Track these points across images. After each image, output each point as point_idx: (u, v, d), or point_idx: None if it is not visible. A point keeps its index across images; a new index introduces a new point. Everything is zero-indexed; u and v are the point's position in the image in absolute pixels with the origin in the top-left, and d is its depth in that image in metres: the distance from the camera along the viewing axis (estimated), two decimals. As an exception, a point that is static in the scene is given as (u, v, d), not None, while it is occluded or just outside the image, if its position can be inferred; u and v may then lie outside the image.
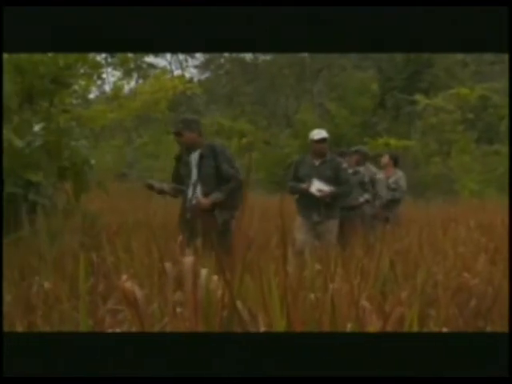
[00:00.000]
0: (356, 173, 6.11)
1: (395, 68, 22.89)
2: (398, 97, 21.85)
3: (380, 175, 6.38)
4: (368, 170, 6.36)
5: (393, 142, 19.14)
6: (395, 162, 6.87)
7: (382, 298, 2.29)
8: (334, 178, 5.21)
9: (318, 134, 5.33)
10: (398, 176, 6.78)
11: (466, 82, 20.79)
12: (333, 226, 5.21)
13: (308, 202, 5.18)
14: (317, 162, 5.32)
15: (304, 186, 5.20)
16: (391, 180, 6.69)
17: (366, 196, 6.06)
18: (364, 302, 2.06)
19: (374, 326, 1.91)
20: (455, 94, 18.99)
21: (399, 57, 22.41)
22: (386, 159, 6.87)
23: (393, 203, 6.63)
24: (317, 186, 5.13)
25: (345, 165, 5.46)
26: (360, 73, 25.67)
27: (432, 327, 2.34)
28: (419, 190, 16.77)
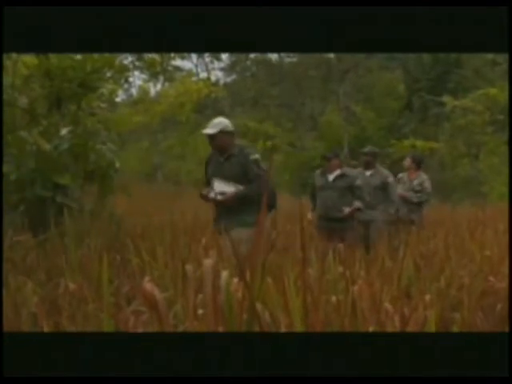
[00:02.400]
0: (342, 176, 5.61)
1: (422, 69, 22.66)
2: (425, 98, 21.63)
3: (391, 178, 6.13)
4: (379, 172, 6.15)
5: (419, 143, 18.95)
6: (418, 164, 6.73)
7: (407, 301, 2.27)
8: (242, 176, 4.17)
9: (212, 125, 4.25)
10: (422, 178, 6.64)
11: (495, 81, 20.43)
12: (243, 234, 3.88)
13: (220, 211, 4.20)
14: (221, 158, 4.29)
15: (203, 192, 4.22)
16: (415, 182, 6.57)
17: (357, 204, 5.48)
18: (387, 305, 2.05)
19: (395, 329, 1.90)
20: (484, 95, 18.68)
21: (426, 57, 22.18)
22: (408, 162, 6.74)
23: (417, 206, 6.50)
24: (217, 189, 4.13)
25: (255, 156, 4.27)
26: (387, 74, 25.49)
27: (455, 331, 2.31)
28: (446, 192, 16.57)
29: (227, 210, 4.09)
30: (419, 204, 6.54)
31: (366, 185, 5.93)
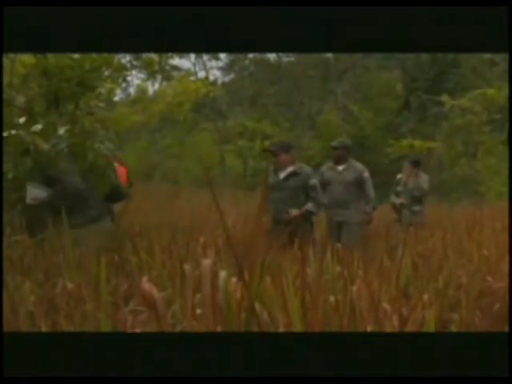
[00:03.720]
0: (294, 174, 4.95)
1: (420, 68, 22.69)
2: (423, 98, 21.65)
3: (366, 173, 5.59)
4: (352, 167, 5.64)
5: (417, 143, 18.96)
6: (416, 165, 6.74)
7: (405, 301, 2.27)
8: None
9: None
10: (422, 179, 6.69)
11: (493, 81, 20.46)
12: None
13: None
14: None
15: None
16: (414, 184, 6.64)
17: (309, 206, 4.85)
18: (385, 305, 2.05)
19: (394, 328, 1.90)
20: (482, 95, 18.70)
21: (424, 57, 22.20)
22: (408, 169, 6.74)
23: (420, 205, 6.58)
24: (31, 194, 3.93)
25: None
26: (385, 73, 25.52)
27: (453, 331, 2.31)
28: (444, 191, 16.59)
29: None
30: (420, 204, 6.61)
31: (338, 181, 5.55)
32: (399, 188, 6.73)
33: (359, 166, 5.71)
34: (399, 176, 6.79)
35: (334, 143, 5.80)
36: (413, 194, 6.59)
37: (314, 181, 5.03)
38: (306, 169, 5.13)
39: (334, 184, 5.58)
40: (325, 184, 5.57)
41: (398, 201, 6.67)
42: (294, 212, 4.81)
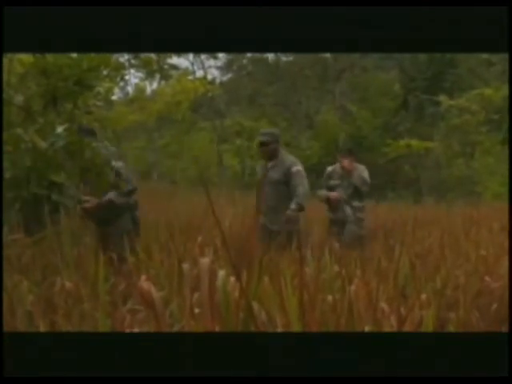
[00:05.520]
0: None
1: (418, 68, 22.71)
2: (420, 97, 21.67)
3: (296, 167, 4.65)
4: (280, 162, 4.73)
5: (415, 143, 18.98)
6: (351, 154, 5.64)
7: (403, 301, 2.28)
8: None
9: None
10: (361, 170, 5.58)
11: (491, 81, 20.50)
12: None
13: None
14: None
15: None
16: (355, 174, 5.53)
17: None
18: (383, 305, 2.06)
19: (392, 328, 1.91)
20: (479, 95, 18.73)
21: (422, 57, 22.22)
22: (345, 162, 5.56)
23: (361, 202, 5.57)
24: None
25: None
26: (382, 73, 25.54)
27: (452, 331, 2.32)
28: (441, 191, 16.61)
29: None
30: (361, 199, 5.58)
31: (267, 181, 4.63)
32: (333, 182, 5.60)
33: (289, 159, 4.77)
34: (330, 168, 5.69)
35: (261, 137, 4.79)
36: (351, 187, 5.54)
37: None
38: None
39: (265, 185, 4.65)
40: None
41: (332, 194, 5.48)
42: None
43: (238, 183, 18.85)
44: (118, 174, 3.99)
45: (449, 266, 3.11)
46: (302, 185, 4.54)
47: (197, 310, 1.77)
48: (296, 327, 1.65)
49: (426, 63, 22.38)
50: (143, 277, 1.83)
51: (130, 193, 4.09)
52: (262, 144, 4.70)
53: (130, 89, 24.46)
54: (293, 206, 4.51)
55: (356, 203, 5.47)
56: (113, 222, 3.59)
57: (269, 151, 4.68)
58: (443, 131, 19.82)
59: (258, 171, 4.97)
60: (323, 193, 5.50)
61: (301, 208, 4.57)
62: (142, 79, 21.79)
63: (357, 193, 5.48)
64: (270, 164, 4.66)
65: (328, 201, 5.46)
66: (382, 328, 1.87)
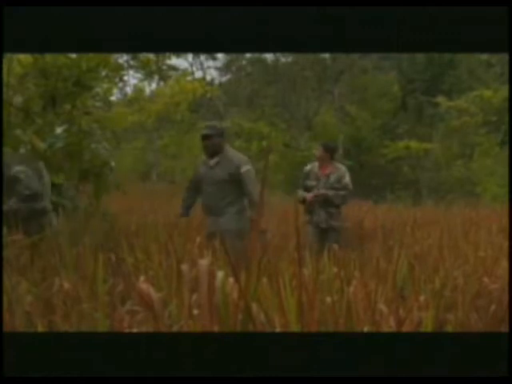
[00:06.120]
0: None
1: (417, 69, 22.74)
2: (419, 99, 21.69)
3: (246, 167, 4.17)
4: (226, 159, 4.25)
5: (414, 144, 19.01)
6: (332, 153, 5.17)
7: (401, 302, 2.28)
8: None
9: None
10: (341, 172, 5.12)
11: (490, 83, 20.54)
12: None
13: None
14: None
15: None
16: (333, 178, 5.05)
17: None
18: (381, 306, 2.06)
19: (391, 329, 1.91)
20: (478, 96, 18.76)
21: (421, 58, 22.25)
22: (319, 152, 5.16)
23: (338, 208, 5.07)
24: None
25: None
26: (381, 75, 25.55)
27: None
28: (440, 193, 16.62)
29: None
30: (338, 206, 5.09)
31: (209, 180, 4.24)
32: (309, 182, 5.15)
33: (237, 157, 4.31)
34: (308, 167, 5.24)
35: (203, 130, 4.35)
36: (328, 190, 5.04)
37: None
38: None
39: (205, 184, 4.28)
40: (198, 184, 4.42)
41: (308, 196, 5.04)
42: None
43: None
44: (15, 179, 3.77)
45: (447, 267, 3.11)
46: (255, 188, 4.11)
47: (196, 311, 1.77)
48: (295, 328, 1.65)
49: (425, 65, 22.42)
50: (142, 277, 1.83)
51: (29, 198, 3.83)
52: (204, 137, 4.28)
53: (128, 89, 24.43)
54: (255, 213, 4.06)
55: (331, 209, 5.03)
56: (20, 228, 3.46)
57: (211, 146, 4.24)
58: (442, 132, 19.85)
59: (196, 168, 4.51)
60: (300, 193, 5.15)
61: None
62: (140, 80, 21.79)
63: (334, 197, 5.02)
64: (212, 161, 4.25)
65: (304, 202, 5.09)
66: (380, 329, 1.88)
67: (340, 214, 5.11)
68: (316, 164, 5.19)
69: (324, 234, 5.00)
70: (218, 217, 4.20)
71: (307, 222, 5.09)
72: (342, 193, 5.02)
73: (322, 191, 5.00)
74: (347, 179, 5.07)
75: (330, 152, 5.14)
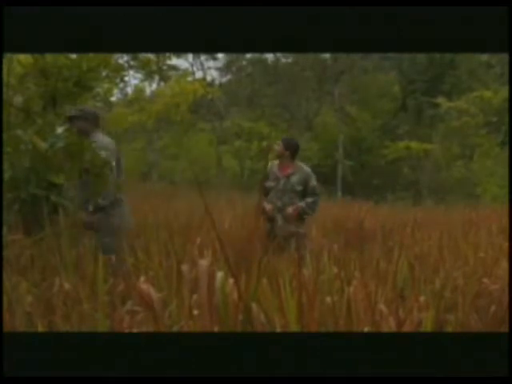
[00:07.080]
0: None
1: (417, 70, 22.74)
2: (419, 99, 21.69)
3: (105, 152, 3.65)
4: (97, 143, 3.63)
5: (414, 145, 19.01)
6: (294, 152, 4.50)
7: (401, 303, 2.28)
8: None
9: None
10: (305, 174, 4.47)
11: (490, 84, 20.54)
12: None
13: None
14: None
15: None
16: (294, 179, 4.43)
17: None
18: (381, 306, 2.06)
19: (391, 330, 1.91)
20: (478, 97, 18.76)
21: (421, 59, 22.26)
22: (279, 147, 4.48)
23: (303, 213, 4.38)
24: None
25: None
26: (381, 75, 25.55)
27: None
28: (440, 194, 16.62)
29: None
30: (305, 210, 4.40)
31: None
32: (268, 183, 4.52)
33: (103, 140, 3.82)
34: (269, 165, 4.66)
35: (71, 111, 3.87)
36: (287, 192, 4.43)
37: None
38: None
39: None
40: None
41: (267, 207, 4.40)
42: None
43: (237, 184, 18.85)
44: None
45: (448, 268, 3.11)
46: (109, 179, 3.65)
47: (196, 311, 1.77)
48: (294, 328, 1.65)
49: (425, 65, 22.42)
50: (142, 278, 1.83)
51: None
52: (68, 119, 3.92)
53: (129, 90, 24.44)
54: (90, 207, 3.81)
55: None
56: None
57: (75, 129, 3.76)
58: (442, 133, 19.85)
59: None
60: (261, 202, 4.48)
61: (98, 207, 3.92)
62: (141, 80, 21.80)
63: (295, 200, 4.40)
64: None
65: (264, 211, 4.41)
66: (380, 330, 1.88)
67: (304, 220, 4.42)
68: (276, 163, 4.57)
69: (285, 241, 4.18)
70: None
71: (268, 232, 4.37)
72: (309, 200, 4.39)
73: (297, 205, 4.36)
74: (314, 182, 4.47)
75: (290, 150, 4.48)
